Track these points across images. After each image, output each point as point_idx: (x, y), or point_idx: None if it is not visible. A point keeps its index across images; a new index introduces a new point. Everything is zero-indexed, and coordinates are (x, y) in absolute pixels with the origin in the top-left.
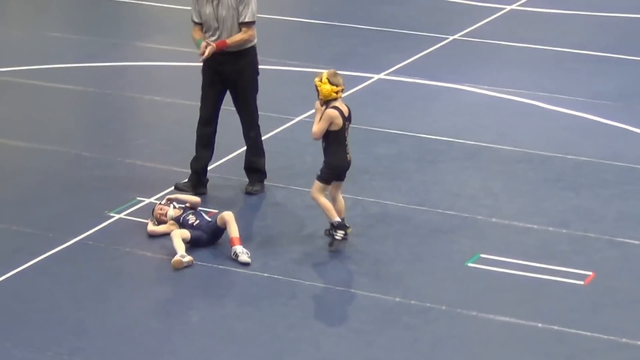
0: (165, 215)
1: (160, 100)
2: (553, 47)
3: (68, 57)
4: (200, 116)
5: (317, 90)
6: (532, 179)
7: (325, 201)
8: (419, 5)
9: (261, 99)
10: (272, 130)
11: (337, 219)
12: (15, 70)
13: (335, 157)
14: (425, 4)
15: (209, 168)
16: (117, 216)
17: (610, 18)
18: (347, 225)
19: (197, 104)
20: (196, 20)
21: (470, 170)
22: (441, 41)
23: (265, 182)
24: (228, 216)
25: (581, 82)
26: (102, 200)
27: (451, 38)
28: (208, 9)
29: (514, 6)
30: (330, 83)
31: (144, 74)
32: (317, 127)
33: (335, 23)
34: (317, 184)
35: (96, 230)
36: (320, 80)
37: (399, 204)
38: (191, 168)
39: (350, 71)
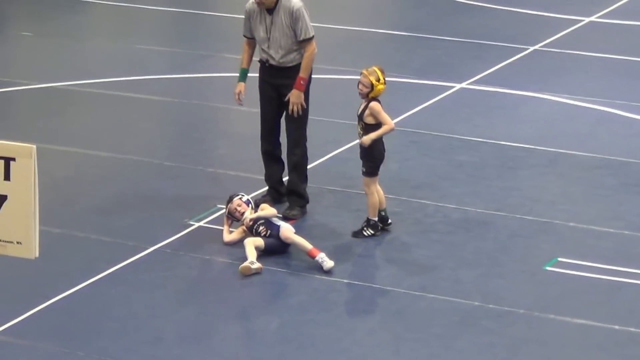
0: (242, 213)
1: (246, 111)
2: (631, 57)
3: (156, 68)
4: (261, 132)
5: (370, 88)
6: (610, 184)
7: (375, 199)
8: (500, 18)
9: (346, 108)
10: (357, 138)
11: (376, 218)
12: (103, 82)
13: (378, 149)
14: (506, 17)
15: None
16: (196, 224)
17: None
18: (384, 224)
19: None
20: (248, 35)
21: (549, 176)
22: (522, 52)
23: (307, 207)
24: (287, 233)
25: None
26: (183, 208)
27: (531, 49)
28: (261, 29)
29: (592, 18)
30: (384, 82)
31: (231, 84)
32: (388, 121)
33: (419, 35)
34: (368, 179)
35: (175, 238)
36: (378, 80)
37: (479, 210)
38: (267, 183)
39: (433, 80)
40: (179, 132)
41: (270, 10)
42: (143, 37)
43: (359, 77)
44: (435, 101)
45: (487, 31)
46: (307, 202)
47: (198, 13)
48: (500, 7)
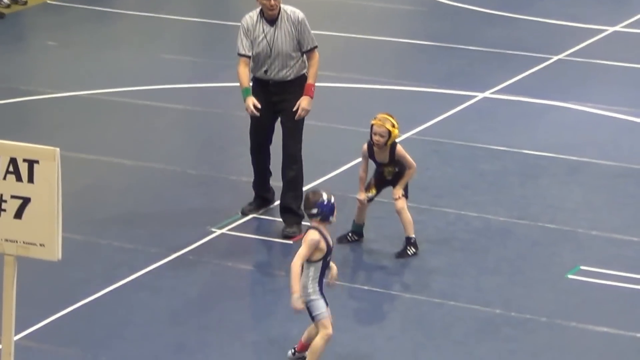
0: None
1: None
2: None
3: (179, 78)
4: (252, 144)
5: (388, 135)
6: (632, 193)
7: (409, 216)
8: (523, 28)
9: (369, 117)
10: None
11: (414, 235)
12: (127, 90)
13: None
14: (529, 27)
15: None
16: (219, 231)
17: None
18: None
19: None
20: (247, 53)
21: (571, 184)
22: (545, 61)
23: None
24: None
25: None
26: (205, 216)
27: (555, 58)
28: (263, 43)
29: (617, 28)
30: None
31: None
32: (412, 163)
33: (442, 44)
34: (405, 200)
35: (198, 245)
36: (393, 126)
37: (501, 218)
38: (254, 190)
39: (456, 90)
40: (202, 141)
41: (272, 22)
42: (167, 47)
43: (380, 87)
44: (458, 110)
45: (510, 41)
46: (303, 218)
47: (222, 23)
48: (523, 17)
